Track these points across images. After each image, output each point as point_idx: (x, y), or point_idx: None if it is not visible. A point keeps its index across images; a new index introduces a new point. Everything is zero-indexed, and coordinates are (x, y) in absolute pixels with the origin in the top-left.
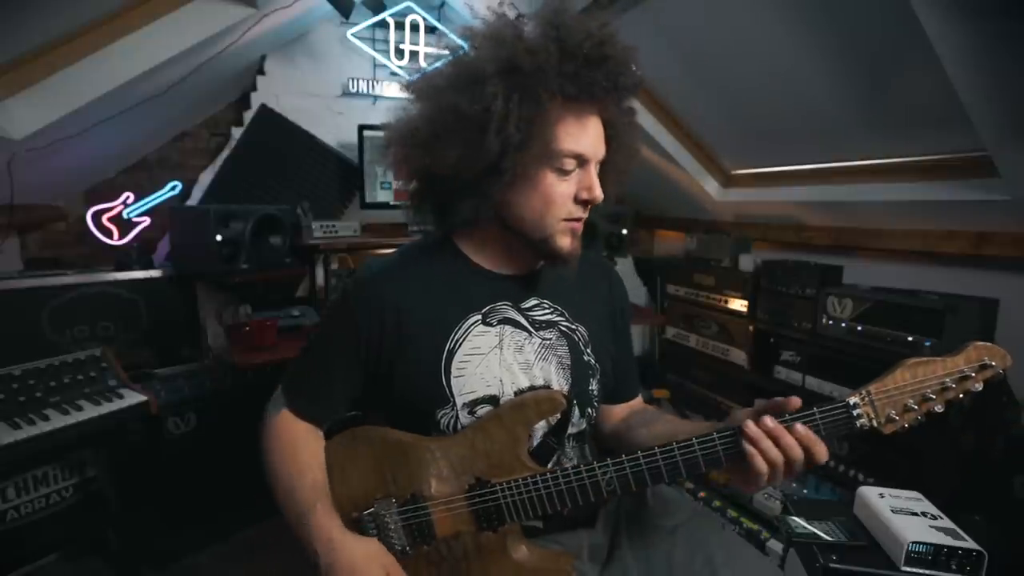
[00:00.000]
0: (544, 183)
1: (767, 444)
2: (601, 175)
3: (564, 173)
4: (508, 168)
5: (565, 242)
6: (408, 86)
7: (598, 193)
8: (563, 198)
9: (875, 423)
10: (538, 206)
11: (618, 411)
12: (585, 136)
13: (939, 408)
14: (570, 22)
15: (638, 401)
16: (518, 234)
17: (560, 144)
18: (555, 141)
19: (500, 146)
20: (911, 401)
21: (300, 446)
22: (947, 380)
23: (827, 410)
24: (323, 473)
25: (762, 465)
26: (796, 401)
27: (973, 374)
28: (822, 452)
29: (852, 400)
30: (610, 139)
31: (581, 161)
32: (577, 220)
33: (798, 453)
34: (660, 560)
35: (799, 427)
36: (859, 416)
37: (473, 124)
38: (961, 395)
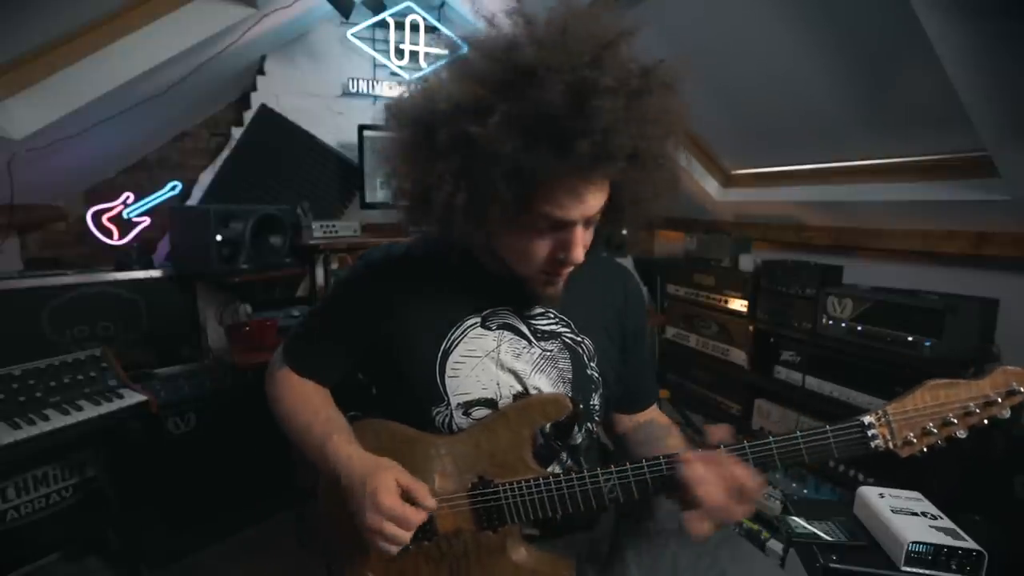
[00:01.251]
0: (515, 238)
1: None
2: (611, 217)
3: (539, 232)
4: (459, 236)
5: (539, 288)
6: (388, 107)
7: (575, 256)
8: (536, 254)
9: (891, 445)
10: (511, 255)
11: (627, 418)
12: (566, 200)
13: (961, 434)
14: (560, 62)
15: (652, 411)
16: (502, 263)
17: (532, 206)
18: (524, 205)
19: (443, 230)
20: (931, 424)
21: (311, 393)
22: (971, 405)
23: (840, 429)
24: (336, 412)
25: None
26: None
27: (1000, 399)
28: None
29: (867, 420)
30: (616, 191)
31: (559, 224)
32: (555, 273)
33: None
34: (665, 562)
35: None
36: (874, 437)
37: (416, 201)
38: (986, 420)
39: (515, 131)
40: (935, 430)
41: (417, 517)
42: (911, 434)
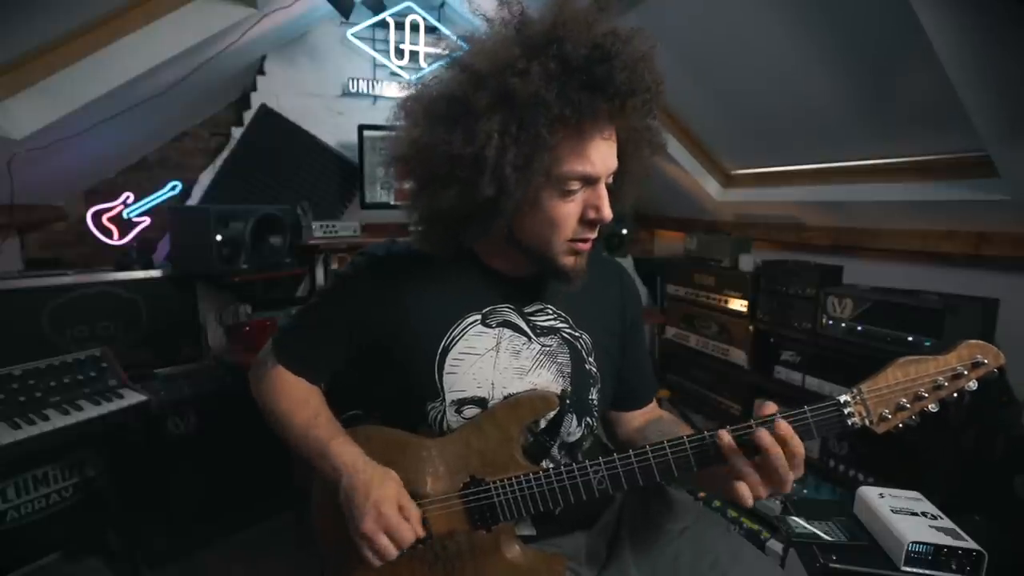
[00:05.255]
0: (547, 205)
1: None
2: (615, 186)
3: (569, 194)
4: (508, 201)
5: (569, 262)
6: (402, 106)
7: (606, 213)
8: (568, 219)
9: (867, 422)
10: (542, 229)
11: (631, 418)
12: (593, 155)
13: (933, 407)
14: (572, 29)
15: (653, 407)
16: (524, 251)
17: (563, 167)
18: (557, 165)
19: (496, 190)
20: (904, 400)
21: (307, 393)
22: (940, 378)
23: (818, 409)
24: (332, 416)
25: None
26: (771, 407)
27: (966, 372)
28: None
29: (843, 398)
30: (624, 149)
31: (588, 181)
32: (584, 241)
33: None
34: (665, 563)
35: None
36: (850, 415)
37: (467, 166)
38: (955, 393)
39: (553, 81)
40: (908, 405)
41: (410, 536)
42: (886, 410)
